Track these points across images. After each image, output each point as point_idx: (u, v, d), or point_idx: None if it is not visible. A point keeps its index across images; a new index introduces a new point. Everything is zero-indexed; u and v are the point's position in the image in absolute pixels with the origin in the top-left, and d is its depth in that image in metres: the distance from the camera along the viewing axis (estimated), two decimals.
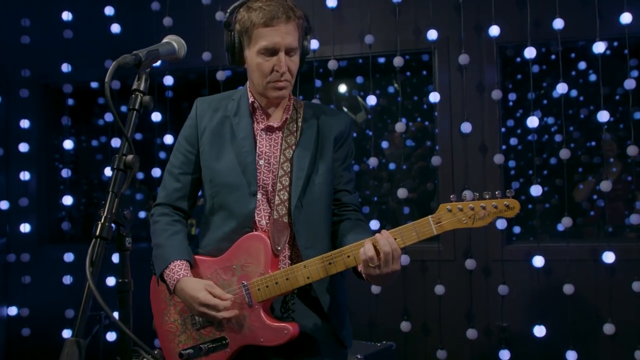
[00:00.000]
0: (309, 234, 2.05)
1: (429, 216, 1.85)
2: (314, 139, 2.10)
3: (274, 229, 2.00)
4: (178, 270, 2.00)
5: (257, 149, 2.07)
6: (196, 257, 2.10)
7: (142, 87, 1.48)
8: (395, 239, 1.84)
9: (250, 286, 1.97)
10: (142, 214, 5.35)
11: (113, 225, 1.37)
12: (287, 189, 2.04)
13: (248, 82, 2.13)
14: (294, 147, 2.07)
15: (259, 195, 2.05)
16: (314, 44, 4.04)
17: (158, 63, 4.29)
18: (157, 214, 2.15)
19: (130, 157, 1.41)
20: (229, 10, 2.05)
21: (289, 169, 2.05)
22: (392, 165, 5.06)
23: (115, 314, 1.35)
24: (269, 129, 2.10)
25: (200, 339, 2.03)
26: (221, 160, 2.07)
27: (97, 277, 1.29)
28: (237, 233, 2.03)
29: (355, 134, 4.86)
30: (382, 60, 4.45)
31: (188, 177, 2.14)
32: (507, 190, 1.80)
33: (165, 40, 1.63)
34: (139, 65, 1.48)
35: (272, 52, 1.96)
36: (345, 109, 5.03)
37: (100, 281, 4.21)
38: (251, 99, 2.10)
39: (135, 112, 1.47)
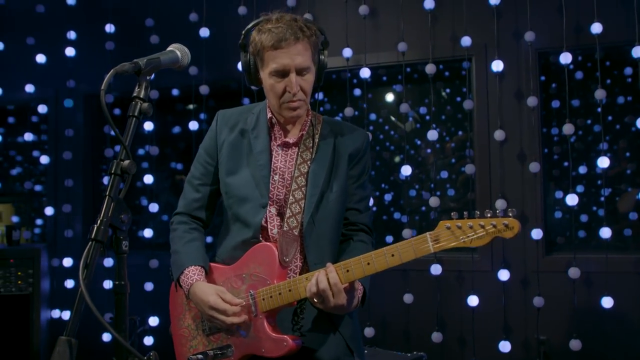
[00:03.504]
0: (318, 250, 2.08)
1: (427, 233, 1.83)
2: (329, 156, 2.13)
3: (282, 240, 2.02)
4: (192, 275, 2.06)
5: (272, 164, 2.11)
6: (212, 264, 2.15)
7: (142, 95, 1.52)
8: (392, 255, 1.84)
9: (256, 296, 2.00)
10: None
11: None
12: (300, 203, 2.07)
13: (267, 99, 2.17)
14: (309, 162, 2.10)
15: (272, 208, 2.09)
16: (348, 52, 4.04)
17: (195, 72, 4.36)
18: (175, 222, 2.22)
19: (127, 162, 1.44)
20: (243, 32, 2.10)
21: (303, 184, 2.08)
22: (444, 174, 5.00)
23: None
24: (285, 145, 2.13)
25: (209, 345, 2.07)
26: (236, 174, 2.12)
27: (91, 279, 1.33)
28: (248, 243, 2.07)
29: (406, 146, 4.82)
30: (421, 67, 4.41)
31: (207, 188, 2.20)
32: (509, 209, 1.76)
33: (169, 48, 1.66)
34: (139, 73, 1.51)
35: (282, 73, 1.99)
36: (393, 118, 5.01)
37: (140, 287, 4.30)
38: (269, 115, 2.14)
39: (134, 119, 1.50)
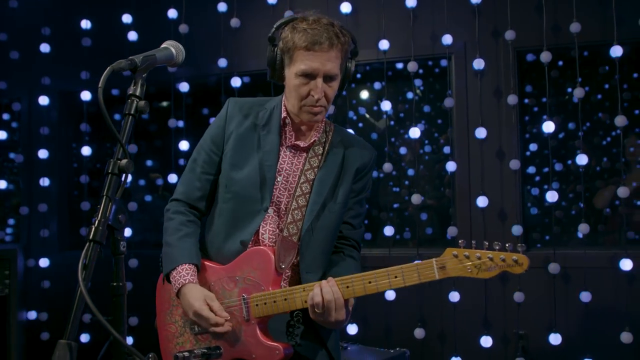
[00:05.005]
0: (311, 259, 2.06)
1: (434, 259, 1.82)
2: (337, 167, 2.09)
3: (281, 246, 1.99)
4: (185, 274, 1.99)
5: (278, 165, 2.06)
6: (205, 262, 2.10)
7: (138, 92, 1.49)
8: (395, 277, 1.84)
9: (249, 301, 1.97)
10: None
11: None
12: (302, 210, 2.04)
13: (284, 97, 2.11)
14: (316, 169, 2.07)
15: (270, 211, 2.05)
16: None
17: (174, 69, 4.32)
18: (172, 210, 2.13)
19: (124, 161, 1.42)
20: (275, 26, 2.04)
21: (307, 190, 2.05)
22: (410, 172, 5.02)
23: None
24: (295, 148, 2.09)
25: (197, 344, 2.04)
26: (241, 169, 2.06)
27: (89, 281, 1.30)
28: (243, 244, 2.04)
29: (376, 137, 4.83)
30: (400, 66, 4.44)
31: (209, 177, 2.13)
32: (519, 245, 1.75)
33: (163, 45, 1.63)
34: (135, 70, 1.49)
35: (310, 76, 1.95)
36: (367, 115, 5.02)
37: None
38: (284, 114, 2.08)
39: (130, 117, 1.47)
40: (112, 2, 4.60)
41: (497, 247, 1.75)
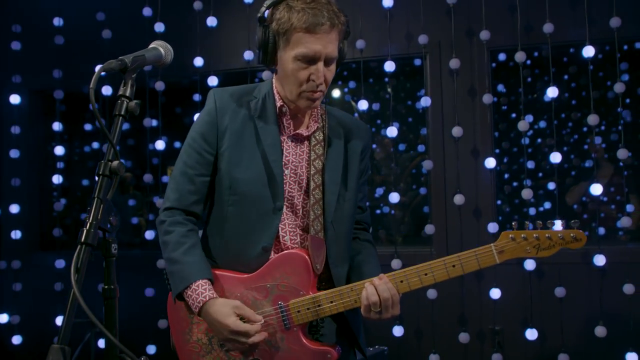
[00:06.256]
0: (337, 252, 1.95)
1: (492, 244, 1.80)
2: (342, 152, 1.98)
3: (312, 246, 1.87)
4: (202, 291, 1.81)
5: (284, 158, 1.92)
6: (217, 272, 1.92)
7: (128, 93, 1.46)
8: (453, 266, 1.81)
9: (288, 308, 1.85)
10: (134, 220, 5.33)
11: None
12: (320, 203, 1.92)
13: (274, 83, 1.97)
14: (322, 157, 1.95)
15: (284, 209, 1.91)
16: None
17: (149, 67, 4.27)
18: (169, 223, 1.91)
19: (115, 163, 1.40)
20: (265, 5, 1.85)
21: (320, 182, 1.93)
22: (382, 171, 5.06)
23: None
24: (297, 137, 1.96)
25: None
26: (245, 167, 1.89)
27: (82, 284, 1.29)
28: (261, 250, 1.88)
29: None
30: (374, 65, 4.46)
31: (204, 179, 1.93)
32: (572, 221, 1.76)
33: (151, 45, 1.61)
34: (125, 70, 1.46)
35: (310, 60, 1.80)
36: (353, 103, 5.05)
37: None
38: (279, 103, 1.93)
39: (121, 117, 1.45)
40: (85, 0, 4.53)
41: (552, 226, 1.77)
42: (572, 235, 1.75)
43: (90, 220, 1.34)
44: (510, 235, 1.79)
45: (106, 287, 1.42)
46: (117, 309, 1.43)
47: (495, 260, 1.79)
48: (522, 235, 1.78)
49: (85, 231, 1.33)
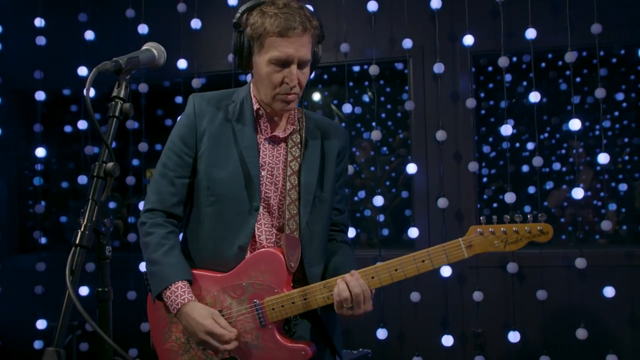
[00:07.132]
0: (313, 252, 2.00)
1: (460, 239, 1.81)
2: (319, 154, 2.04)
3: (287, 245, 1.92)
4: (181, 293, 1.87)
5: (260, 159, 1.97)
6: (195, 272, 1.96)
7: (122, 95, 1.47)
8: (423, 261, 1.83)
9: (263, 305, 1.90)
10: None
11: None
12: (295, 204, 1.97)
13: (251, 87, 2.03)
14: (299, 159, 2.00)
15: (261, 210, 1.96)
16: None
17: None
18: (150, 224, 1.96)
19: (110, 164, 1.39)
20: (240, 11, 1.91)
21: (296, 182, 1.98)
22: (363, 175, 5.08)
23: None
24: (274, 139, 2.01)
25: (207, 359, 1.94)
26: (223, 169, 1.94)
27: (76, 286, 1.28)
28: (237, 249, 1.93)
29: None
30: (356, 68, 4.48)
31: (183, 180, 1.98)
32: (539, 214, 1.78)
33: (145, 47, 1.62)
34: (119, 72, 1.47)
35: (284, 63, 1.86)
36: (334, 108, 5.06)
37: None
38: (256, 106, 1.99)
39: (115, 119, 1.45)
40: (67, 1, 4.48)
41: (519, 220, 1.78)
42: (538, 228, 1.77)
43: (85, 222, 1.34)
44: (478, 230, 1.81)
45: (100, 289, 1.41)
46: (110, 311, 1.42)
47: (463, 254, 1.81)
48: (490, 230, 1.80)
49: (79, 233, 1.32)
